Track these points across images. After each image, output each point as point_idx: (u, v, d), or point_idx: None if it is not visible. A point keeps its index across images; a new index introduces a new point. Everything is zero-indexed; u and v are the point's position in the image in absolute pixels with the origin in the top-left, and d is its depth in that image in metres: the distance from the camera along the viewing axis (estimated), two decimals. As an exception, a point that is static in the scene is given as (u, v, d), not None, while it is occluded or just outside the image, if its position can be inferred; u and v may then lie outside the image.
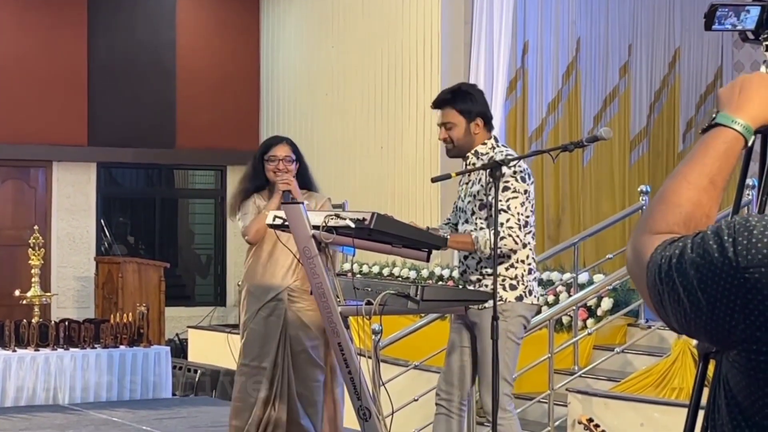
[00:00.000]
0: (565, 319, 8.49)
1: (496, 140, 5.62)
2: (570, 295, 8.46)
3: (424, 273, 10.17)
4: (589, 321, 8.43)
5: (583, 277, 8.69)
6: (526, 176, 5.45)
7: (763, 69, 2.45)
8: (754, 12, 2.94)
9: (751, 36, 3.04)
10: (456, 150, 5.63)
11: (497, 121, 10.51)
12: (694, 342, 5.34)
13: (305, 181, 6.57)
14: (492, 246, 5.30)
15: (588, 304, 8.45)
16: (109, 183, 14.60)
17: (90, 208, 13.99)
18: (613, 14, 12.09)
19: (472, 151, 5.55)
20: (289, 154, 6.48)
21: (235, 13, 14.57)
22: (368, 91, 12.20)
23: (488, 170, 5.30)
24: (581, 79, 11.85)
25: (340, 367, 5.15)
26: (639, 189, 9.02)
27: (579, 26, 11.86)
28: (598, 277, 8.53)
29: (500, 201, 5.34)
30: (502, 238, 5.28)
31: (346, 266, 9.54)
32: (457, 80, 10.57)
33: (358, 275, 9.74)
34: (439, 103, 5.66)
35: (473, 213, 5.50)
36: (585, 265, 9.44)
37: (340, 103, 12.75)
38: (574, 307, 8.26)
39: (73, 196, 13.88)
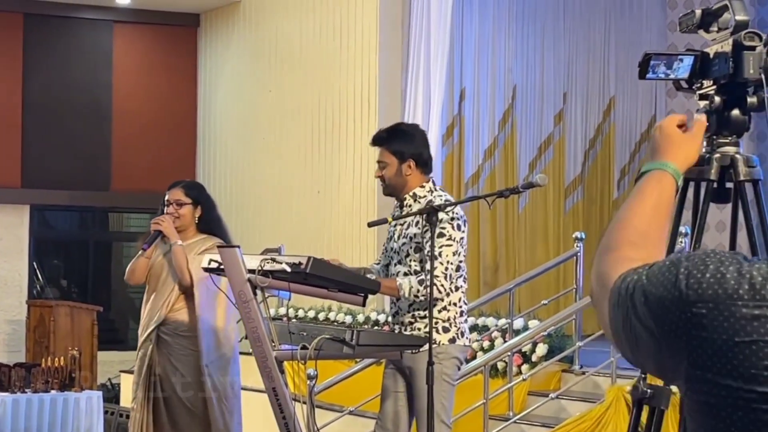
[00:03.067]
0: (500, 365, 8.50)
1: (434, 184, 5.65)
2: (505, 341, 8.47)
3: (360, 318, 10.14)
4: (524, 367, 8.44)
5: (518, 323, 8.71)
6: (462, 223, 5.48)
7: (698, 117, 2.48)
8: (687, 61, 2.99)
9: (684, 85, 3.09)
10: (389, 189, 5.68)
11: (434, 166, 10.56)
12: (628, 388, 5.36)
13: (207, 225, 6.50)
14: (416, 293, 5.36)
15: (523, 350, 8.46)
16: (42, 225, 14.43)
17: (22, 250, 13.81)
18: (549, 62, 12.22)
19: (410, 193, 5.57)
20: (179, 198, 6.44)
21: (172, 56, 14.52)
22: (305, 135, 12.20)
23: (425, 215, 5.32)
24: (517, 126, 11.94)
25: (274, 412, 5.11)
26: (573, 236, 9.09)
27: (515, 74, 11.98)
28: (533, 323, 8.56)
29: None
30: (427, 286, 5.29)
31: (282, 311, 9.50)
32: (394, 126, 10.67)
33: (294, 320, 9.69)
34: (375, 141, 5.72)
35: (408, 255, 5.51)
36: (520, 311, 9.47)
37: (277, 147, 12.73)
38: (509, 353, 8.28)
39: (6, 238, 13.70)
